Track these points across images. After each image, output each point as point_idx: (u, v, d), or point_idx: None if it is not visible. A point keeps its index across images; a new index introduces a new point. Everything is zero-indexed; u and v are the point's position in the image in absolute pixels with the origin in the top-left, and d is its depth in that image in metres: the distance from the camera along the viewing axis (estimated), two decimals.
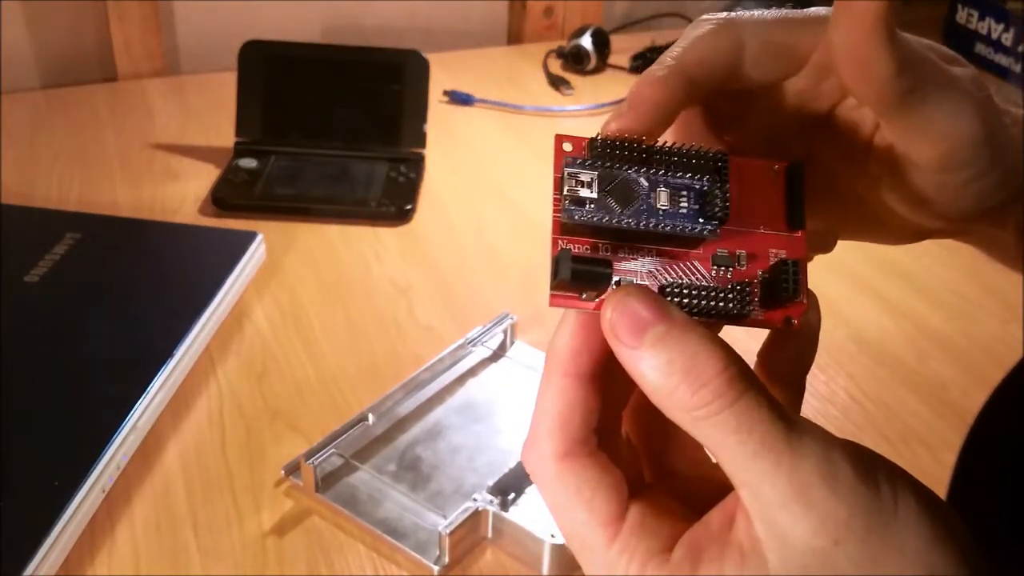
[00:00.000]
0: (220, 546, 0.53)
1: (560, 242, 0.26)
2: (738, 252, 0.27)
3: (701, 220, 0.26)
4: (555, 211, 0.26)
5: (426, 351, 0.67)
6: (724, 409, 0.24)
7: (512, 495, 0.55)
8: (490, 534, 0.54)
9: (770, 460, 0.23)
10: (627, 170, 0.27)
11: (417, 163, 0.89)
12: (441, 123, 0.99)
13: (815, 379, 0.67)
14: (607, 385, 0.28)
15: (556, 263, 0.26)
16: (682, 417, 0.25)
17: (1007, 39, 1.16)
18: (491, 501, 0.53)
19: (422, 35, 1.20)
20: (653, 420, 0.30)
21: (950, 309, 0.75)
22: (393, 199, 0.84)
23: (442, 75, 1.07)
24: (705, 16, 0.30)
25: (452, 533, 0.51)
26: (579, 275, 0.25)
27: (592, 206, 0.26)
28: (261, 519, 0.55)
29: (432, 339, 0.69)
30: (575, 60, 1.13)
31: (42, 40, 1.05)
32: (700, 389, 0.24)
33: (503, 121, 1.02)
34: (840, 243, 0.34)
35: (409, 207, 0.84)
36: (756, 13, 0.30)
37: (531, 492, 0.55)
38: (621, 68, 1.14)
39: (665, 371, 0.24)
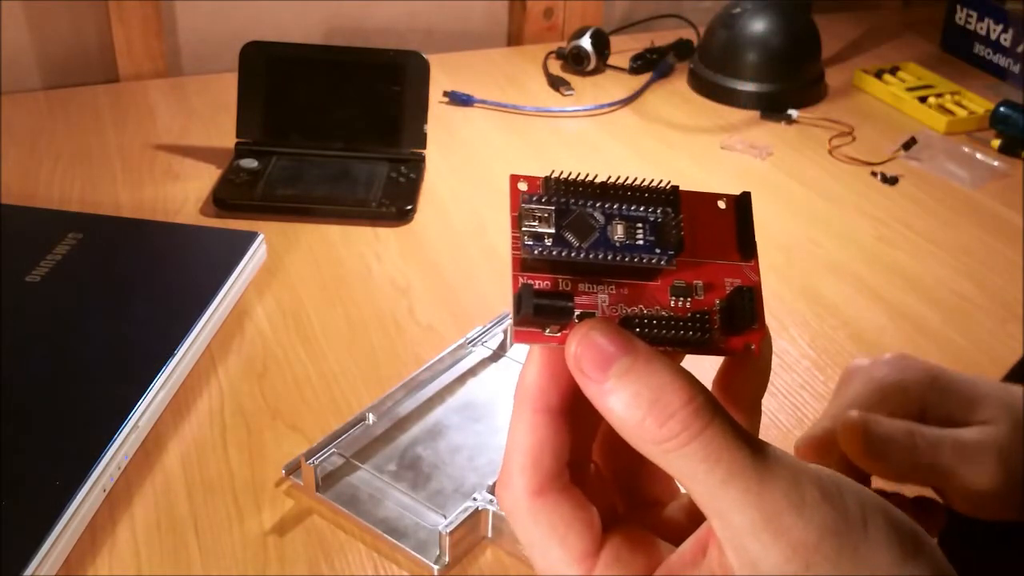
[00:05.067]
0: (221, 545, 0.53)
1: (520, 278, 0.27)
2: (695, 282, 0.28)
3: (658, 251, 0.27)
4: (514, 248, 0.27)
5: (426, 351, 0.67)
6: (692, 440, 0.24)
7: None
8: (490, 533, 0.54)
9: (738, 488, 0.24)
10: (583, 205, 0.27)
11: (417, 164, 0.89)
12: (441, 124, 0.99)
13: (814, 379, 0.67)
14: (576, 418, 0.28)
15: (519, 299, 0.26)
16: (650, 449, 0.25)
17: (1006, 40, 1.16)
18: (491, 500, 0.53)
19: (422, 36, 1.20)
20: (623, 452, 0.30)
21: (949, 309, 0.75)
22: (393, 199, 0.84)
23: (442, 76, 1.07)
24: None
25: (452, 532, 0.51)
26: (542, 309, 0.26)
27: (551, 241, 0.26)
28: (262, 518, 0.55)
29: (432, 339, 0.69)
30: (575, 61, 1.13)
31: (43, 41, 1.05)
32: (667, 421, 0.24)
33: (503, 122, 1.02)
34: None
35: (409, 207, 0.84)
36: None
37: None
38: (621, 69, 1.14)
39: (632, 404, 0.24)
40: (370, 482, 0.57)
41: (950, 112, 1.06)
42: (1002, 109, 1.00)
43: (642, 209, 0.27)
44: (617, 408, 0.25)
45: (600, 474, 0.30)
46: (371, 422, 0.59)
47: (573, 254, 0.26)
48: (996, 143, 1.00)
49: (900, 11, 1.40)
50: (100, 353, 0.63)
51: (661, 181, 0.28)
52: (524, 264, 0.27)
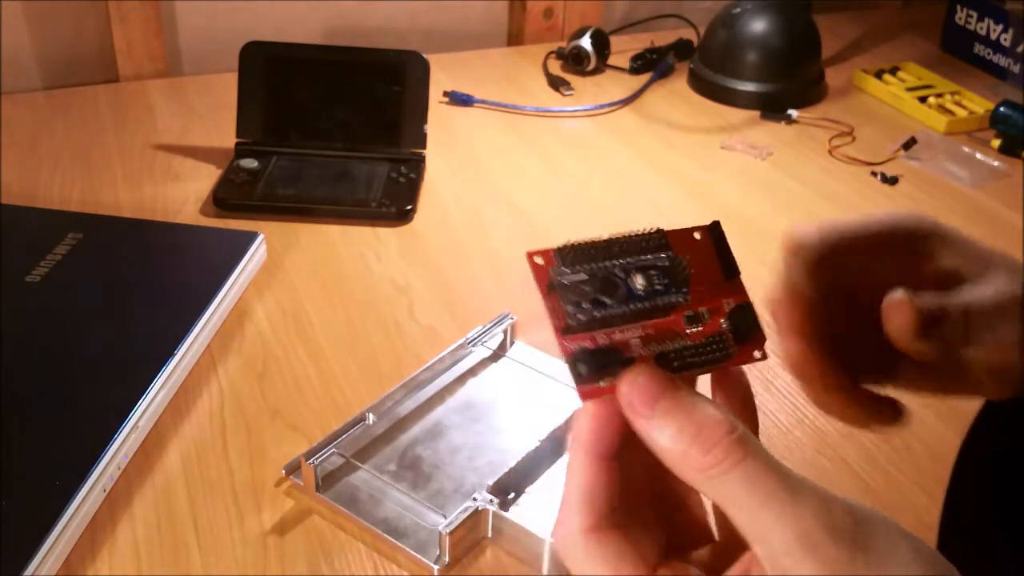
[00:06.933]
0: (221, 545, 0.53)
1: (567, 344, 0.29)
2: (700, 309, 0.31)
3: (674, 290, 0.31)
4: (554, 319, 0.29)
5: (426, 351, 0.67)
6: (734, 467, 0.27)
7: (512, 495, 0.55)
8: (490, 533, 0.54)
9: (775, 510, 0.26)
10: (604, 266, 0.30)
11: (417, 164, 0.89)
12: (441, 124, 0.99)
13: None
14: (624, 464, 0.30)
15: (576, 364, 0.29)
16: (694, 476, 0.27)
17: (1006, 40, 1.16)
18: (491, 501, 0.53)
19: (422, 36, 1.20)
20: (663, 496, 0.32)
21: None
22: (393, 199, 0.84)
23: (442, 76, 1.07)
24: (796, 234, 0.38)
25: (452, 532, 0.51)
26: (599, 368, 0.29)
27: (590, 305, 0.30)
28: (262, 518, 0.55)
29: (432, 339, 0.69)
30: (575, 61, 1.13)
31: (44, 41, 1.05)
32: (711, 449, 0.27)
33: (503, 122, 1.02)
34: None
35: (409, 207, 0.84)
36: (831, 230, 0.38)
37: (531, 492, 0.56)
38: (621, 69, 1.14)
39: (677, 436, 0.27)
40: (370, 482, 0.57)
41: (950, 112, 1.06)
42: (1002, 109, 1.00)
43: (648, 257, 0.31)
44: (663, 440, 0.28)
45: (646, 515, 0.32)
46: (371, 422, 0.59)
47: (613, 311, 0.30)
48: (996, 143, 1.00)
49: (900, 11, 1.40)
50: (100, 353, 0.63)
51: (645, 228, 0.32)
52: (566, 329, 0.29)
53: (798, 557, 0.26)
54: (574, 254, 0.30)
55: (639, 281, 0.31)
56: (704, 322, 0.31)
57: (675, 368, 0.30)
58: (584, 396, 0.29)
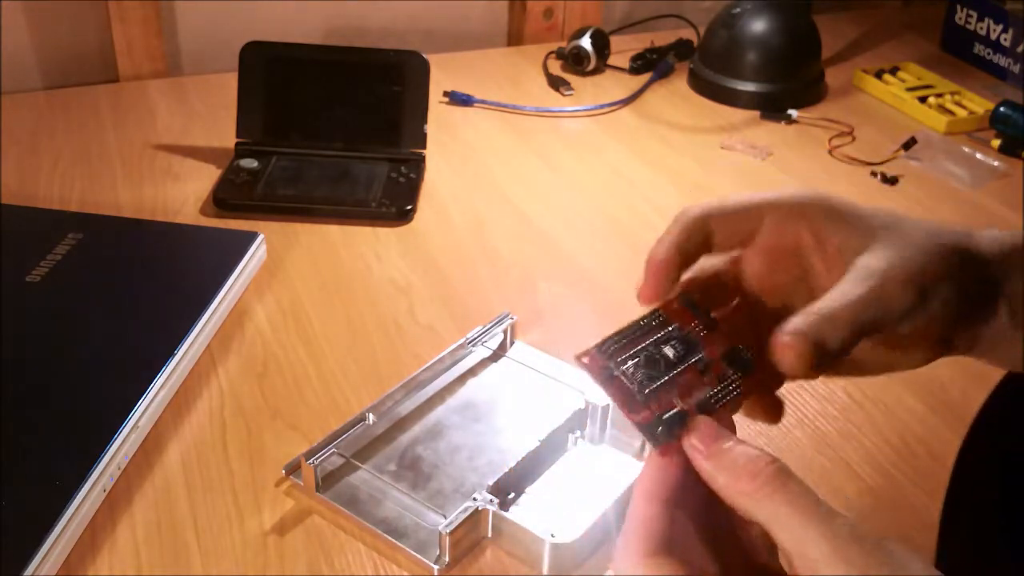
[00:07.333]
0: (221, 546, 0.53)
1: (637, 418, 0.35)
2: (706, 359, 0.38)
3: (692, 351, 0.38)
4: (618, 401, 0.36)
5: (426, 351, 0.67)
6: (776, 491, 0.32)
7: (512, 495, 0.55)
8: (490, 533, 0.54)
9: (815, 529, 0.31)
10: (641, 348, 0.37)
11: (417, 164, 0.89)
12: (441, 124, 0.99)
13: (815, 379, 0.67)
14: (679, 506, 0.35)
15: (653, 431, 0.35)
16: (745, 501, 0.33)
17: (1006, 40, 1.16)
18: (491, 500, 0.53)
19: (422, 36, 1.20)
20: (721, 531, 0.37)
21: None
22: (393, 199, 0.84)
23: (442, 76, 1.07)
24: (687, 207, 0.41)
25: (452, 532, 0.51)
26: (668, 429, 0.35)
27: (645, 382, 0.36)
28: (262, 518, 0.55)
29: (432, 339, 0.69)
30: (575, 61, 1.13)
31: (44, 41, 1.05)
32: (757, 476, 0.33)
33: (503, 122, 1.02)
34: None
35: (409, 207, 0.84)
36: (715, 203, 0.42)
37: (531, 492, 0.56)
38: (621, 69, 1.14)
39: (730, 469, 0.34)
40: (370, 482, 0.57)
41: (950, 112, 1.06)
42: (1002, 109, 1.00)
43: (663, 332, 0.38)
44: (720, 474, 0.34)
45: (700, 549, 0.37)
46: (371, 422, 0.59)
47: (662, 381, 0.36)
48: (996, 143, 1.00)
49: (900, 11, 1.40)
50: (100, 353, 0.63)
51: (645, 314, 0.39)
52: (634, 407, 0.36)
53: (836, 566, 0.30)
54: (612, 346, 0.37)
55: (669, 352, 0.37)
56: (711, 367, 0.38)
57: (717, 408, 0.36)
58: (662, 453, 0.35)
